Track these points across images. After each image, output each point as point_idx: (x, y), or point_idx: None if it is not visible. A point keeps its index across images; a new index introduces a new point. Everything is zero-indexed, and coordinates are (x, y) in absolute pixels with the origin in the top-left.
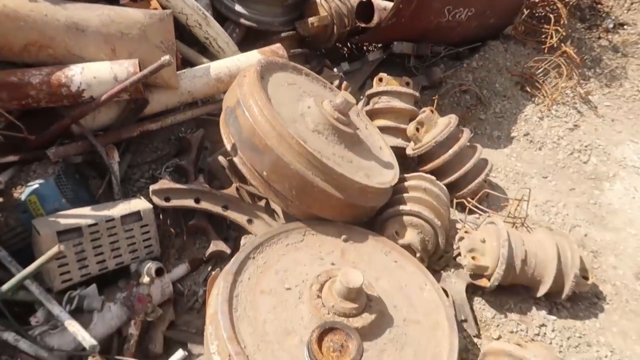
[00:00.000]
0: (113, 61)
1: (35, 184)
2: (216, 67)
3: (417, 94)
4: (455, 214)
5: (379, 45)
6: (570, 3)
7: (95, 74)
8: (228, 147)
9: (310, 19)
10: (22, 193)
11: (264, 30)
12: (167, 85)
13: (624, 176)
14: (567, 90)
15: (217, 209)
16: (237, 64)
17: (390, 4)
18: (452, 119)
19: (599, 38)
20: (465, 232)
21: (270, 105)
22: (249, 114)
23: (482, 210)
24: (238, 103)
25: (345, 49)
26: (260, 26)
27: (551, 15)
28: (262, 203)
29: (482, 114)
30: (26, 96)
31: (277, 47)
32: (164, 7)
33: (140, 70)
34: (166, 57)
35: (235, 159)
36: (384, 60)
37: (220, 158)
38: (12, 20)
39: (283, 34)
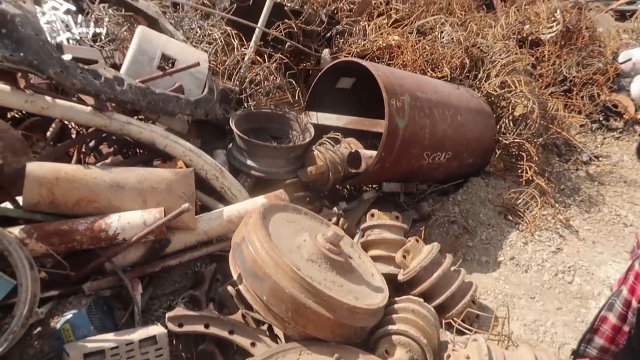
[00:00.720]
0: (144, 210)
1: (69, 314)
2: (228, 211)
3: (406, 226)
4: (446, 335)
5: (373, 185)
6: (540, 142)
7: (129, 221)
8: (235, 276)
9: (309, 168)
10: (58, 322)
11: (271, 178)
12: (187, 227)
13: (608, 295)
14: (548, 217)
15: (224, 334)
16: (245, 207)
17: (375, 153)
18: (434, 246)
19: (577, 169)
20: (453, 350)
21: (270, 239)
22: (252, 247)
23: (468, 329)
24: (243, 239)
25: (345, 190)
26: (268, 176)
27: (523, 154)
28: (265, 327)
29: (469, 242)
30: (73, 240)
31: (280, 192)
32: (188, 166)
33: (165, 215)
34: (186, 205)
35: (241, 287)
36: (378, 198)
37: (229, 288)
38: (71, 182)
39: (287, 181)
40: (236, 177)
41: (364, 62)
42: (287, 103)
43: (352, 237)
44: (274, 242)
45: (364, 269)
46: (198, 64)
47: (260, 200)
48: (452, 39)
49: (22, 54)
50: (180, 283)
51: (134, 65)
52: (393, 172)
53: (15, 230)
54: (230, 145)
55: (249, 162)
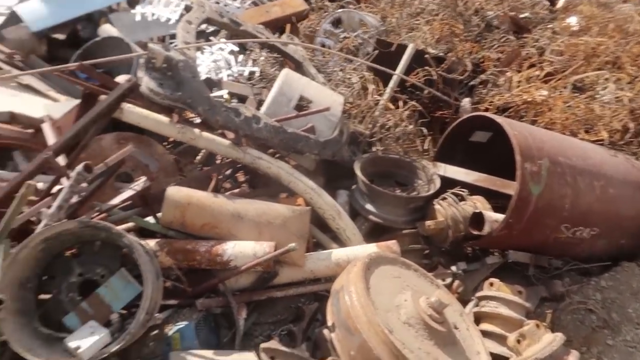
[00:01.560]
0: (256, 242)
1: (180, 325)
2: (337, 254)
3: (529, 305)
4: None
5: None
6: None
7: (242, 250)
8: (329, 323)
9: (428, 222)
10: (170, 330)
11: (389, 226)
12: (295, 263)
13: None
14: None
15: None
16: (354, 253)
17: (502, 216)
18: (557, 338)
19: None
20: None
21: (367, 293)
22: (348, 298)
23: None
24: (342, 288)
25: (470, 248)
26: (386, 223)
27: None
28: None
29: (609, 340)
30: (193, 260)
31: (392, 243)
32: (307, 204)
33: (275, 250)
34: (292, 245)
35: (332, 335)
36: (504, 264)
37: (325, 331)
38: (200, 208)
39: (405, 231)
40: (354, 219)
41: (498, 119)
42: (417, 151)
43: (466, 302)
44: (371, 297)
45: (469, 344)
46: (328, 109)
47: (371, 248)
48: (616, 98)
49: (179, 94)
50: (282, 315)
51: (273, 105)
52: (521, 241)
53: (152, 243)
54: (354, 187)
55: (369, 207)
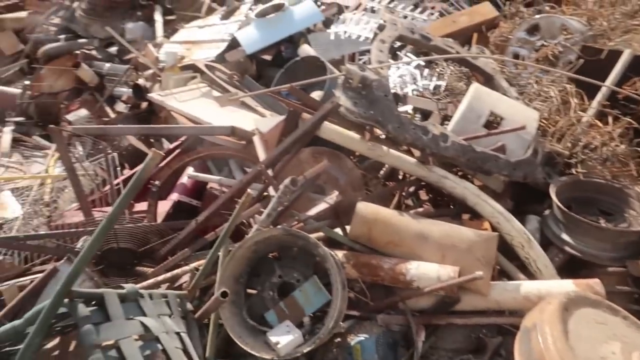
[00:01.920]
0: (440, 265)
1: (362, 337)
2: (526, 286)
3: None
4: None
5: None
6: None
7: (425, 272)
8: None
9: None
10: (352, 340)
11: (588, 260)
12: (479, 291)
13: None
14: None
15: None
16: (548, 288)
17: None
18: None
19: None
20: None
21: (565, 339)
22: (542, 340)
23: None
24: (534, 326)
25: None
26: (585, 257)
27: None
28: None
29: None
30: (377, 275)
31: (595, 282)
32: (494, 228)
33: (459, 276)
34: (479, 273)
35: None
36: None
37: None
38: (386, 225)
39: (610, 269)
40: (546, 249)
41: None
42: (631, 176)
43: None
44: (570, 343)
45: None
46: (523, 128)
47: (567, 285)
48: None
49: (372, 112)
50: (462, 344)
51: (462, 122)
52: None
53: (340, 254)
54: (547, 212)
55: (564, 237)
